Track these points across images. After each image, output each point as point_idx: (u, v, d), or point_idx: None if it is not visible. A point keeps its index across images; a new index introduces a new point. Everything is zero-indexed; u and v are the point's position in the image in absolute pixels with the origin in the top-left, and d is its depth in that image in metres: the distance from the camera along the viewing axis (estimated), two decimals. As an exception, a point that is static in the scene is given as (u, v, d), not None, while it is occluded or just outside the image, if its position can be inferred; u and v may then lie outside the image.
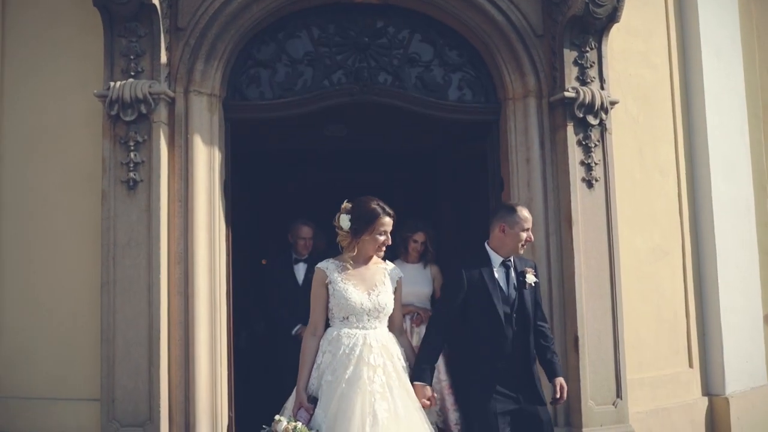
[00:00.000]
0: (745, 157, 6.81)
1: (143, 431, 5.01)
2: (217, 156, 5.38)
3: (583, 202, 5.46)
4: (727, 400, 6.20)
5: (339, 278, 4.01)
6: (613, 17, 5.50)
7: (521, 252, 4.35)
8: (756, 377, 6.59)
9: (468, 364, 4.28)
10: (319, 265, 4.07)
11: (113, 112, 5.09)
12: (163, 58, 5.19)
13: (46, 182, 5.43)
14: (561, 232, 5.49)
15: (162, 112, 5.16)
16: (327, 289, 4.02)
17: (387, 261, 4.22)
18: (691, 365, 6.19)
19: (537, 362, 4.37)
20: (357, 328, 3.99)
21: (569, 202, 5.43)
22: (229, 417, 5.43)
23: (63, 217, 5.38)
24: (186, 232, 5.21)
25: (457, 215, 6.83)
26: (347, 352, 3.91)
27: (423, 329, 5.33)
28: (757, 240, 6.80)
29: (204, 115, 5.32)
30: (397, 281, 4.17)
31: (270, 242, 8.72)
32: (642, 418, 5.68)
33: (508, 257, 4.30)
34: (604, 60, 5.62)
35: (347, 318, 4.00)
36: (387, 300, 4.06)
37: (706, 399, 6.22)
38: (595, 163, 5.52)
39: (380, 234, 4.04)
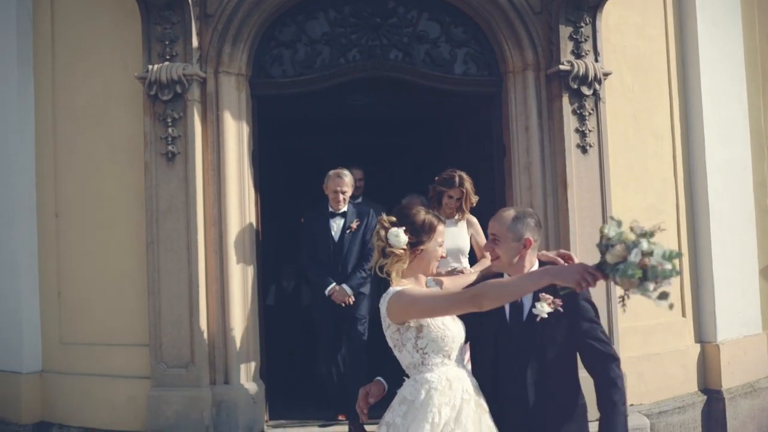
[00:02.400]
0: (743, 121, 7.15)
1: (186, 371, 5.73)
2: (245, 129, 6.00)
3: (577, 167, 5.96)
4: (717, 346, 6.68)
5: None
6: (605, -6, 5.93)
7: (493, 264, 3.45)
8: (749, 326, 7.04)
9: None
10: (399, 290, 3.15)
11: (152, 92, 5.72)
12: (195, 43, 5.79)
13: (96, 154, 6.13)
14: (557, 195, 6.01)
15: (195, 92, 5.78)
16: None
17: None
18: (684, 315, 6.68)
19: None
20: (458, 366, 3.19)
21: (564, 166, 5.94)
22: (261, 362, 6.12)
23: (112, 185, 6.08)
24: (219, 198, 5.86)
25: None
26: (466, 398, 3.13)
27: None
28: (754, 199, 7.18)
29: (232, 93, 5.93)
30: None
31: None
32: (634, 362, 6.22)
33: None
34: (598, 34, 6.05)
35: (449, 356, 3.16)
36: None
37: (698, 346, 6.72)
38: (589, 131, 5.99)
39: (440, 245, 3.30)
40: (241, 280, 5.93)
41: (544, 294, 3.28)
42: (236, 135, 5.94)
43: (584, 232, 5.96)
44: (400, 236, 3.16)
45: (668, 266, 2.69)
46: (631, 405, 6.04)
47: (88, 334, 6.16)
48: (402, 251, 3.18)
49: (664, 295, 2.73)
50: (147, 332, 5.83)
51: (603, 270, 2.79)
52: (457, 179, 5.54)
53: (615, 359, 3.27)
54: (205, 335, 5.80)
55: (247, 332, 5.97)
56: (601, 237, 2.82)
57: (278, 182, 8.93)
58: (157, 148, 5.78)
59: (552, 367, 3.28)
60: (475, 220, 5.72)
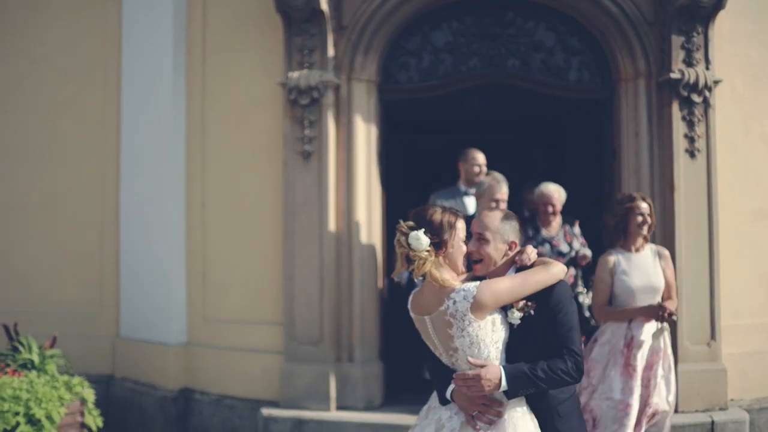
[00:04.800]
0: None
1: (316, 349, 6.38)
2: (373, 131, 6.59)
3: (685, 171, 6.23)
4: (822, 347, 6.82)
5: None
6: (718, 5, 6.17)
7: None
8: None
9: None
10: (477, 285, 3.19)
11: (291, 97, 6.37)
12: (330, 52, 6.41)
13: (239, 152, 6.84)
14: (665, 197, 6.30)
15: (330, 97, 6.40)
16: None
17: None
18: (788, 315, 6.85)
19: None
20: None
21: (672, 170, 6.23)
22: (380, 343, 6.70)
23: (252, 179, 6.78)
24: (349, 194, 6.47)
25: (578, 178, 7.72)
26: None
27: None
28: None
29: (363, 98, 6.52)
30: None
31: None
32: (736, 359, 6.45)
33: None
34: (710, 43, 6.29)
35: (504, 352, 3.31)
36: None
37: (801, 346, 6.88)
38: (698, 136, 6.25)
39: (462, 240, 3.28)
40: (365, 268, 6.52)
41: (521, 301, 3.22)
42: (365, 136, 6.53)
43: (690, 233, 6.25)
44: (421, 239, 3.14)
45: None
46: (732, 400, 6.32)
47: (228, 312, 6.89)
48: (426, 253, 3.15)
49: None
50: (281, 312, 6.52)
51: None
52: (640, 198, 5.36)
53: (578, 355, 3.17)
54: (333, 317, 6.42)
55: (369, 316, 6.55)
56: None
57: (395, 175, 9.44)
58: (295, 147, 6.43)
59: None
60: (667, 252, 5.48)
